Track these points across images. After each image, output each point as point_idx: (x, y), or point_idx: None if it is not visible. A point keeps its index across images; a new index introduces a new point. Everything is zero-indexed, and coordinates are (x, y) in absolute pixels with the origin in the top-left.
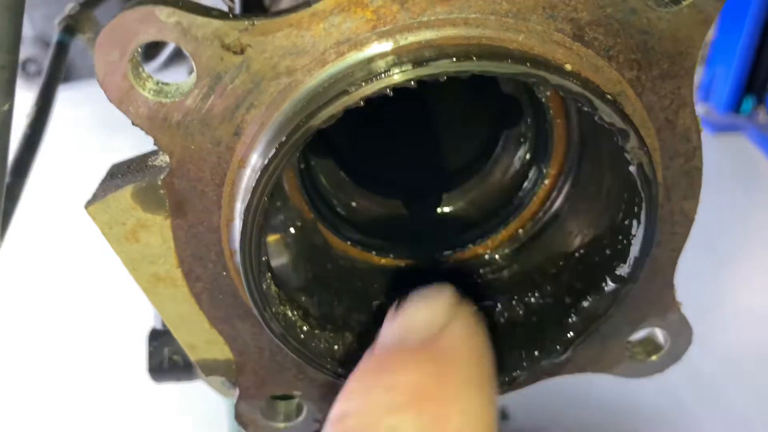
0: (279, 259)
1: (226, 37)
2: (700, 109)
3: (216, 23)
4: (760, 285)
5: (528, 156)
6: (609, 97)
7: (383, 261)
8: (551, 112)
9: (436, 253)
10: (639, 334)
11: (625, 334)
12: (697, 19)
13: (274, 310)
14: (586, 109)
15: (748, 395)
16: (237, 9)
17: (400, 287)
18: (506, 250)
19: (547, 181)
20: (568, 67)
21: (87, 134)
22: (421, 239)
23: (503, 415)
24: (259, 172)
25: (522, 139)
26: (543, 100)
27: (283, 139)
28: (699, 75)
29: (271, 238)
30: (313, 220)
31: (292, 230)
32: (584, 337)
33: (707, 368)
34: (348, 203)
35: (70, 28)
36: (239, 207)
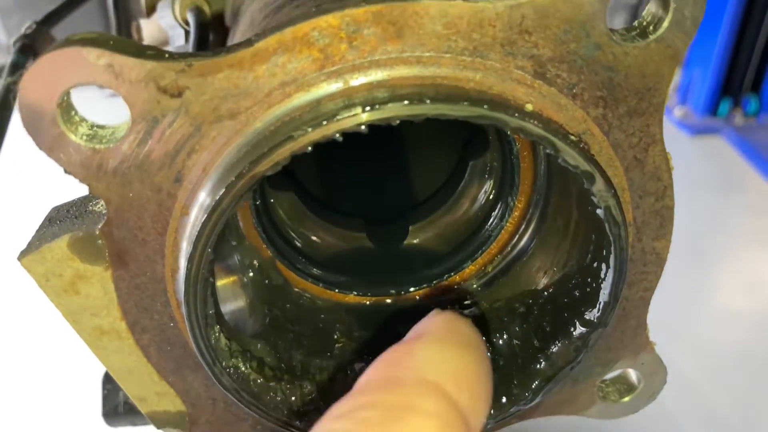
0: (235, 303)
1: (162, 79)
2: (677, 111)
3: (150, 65)
4: (739, 286)
5: (495, 187)
6: (573, 138)
7: (346, 298)
8: (517, 144)
9: (402, 290)
10: (612, 374)
11: (597, 376)
12: (665, 54)
13: (224, 364)
14: (548, 151)
15: (727, 396)
16: (191, 47)
17: (363, 326)
18: (474, 286)
19: (515, 214)
20: (529, 107)
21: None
22: (386, 275)
23: None
24: (200, 224)
25: (489, 170)
26: (508, 132)
27: (224, 188)
28: (677, 78)
29: (226, 281)
30: (271, 258)
31: (248, 270)
32: (553, 384)
33: (687, 369)
34: (309, 238)
35: (27, 48)
36: (183, 257)
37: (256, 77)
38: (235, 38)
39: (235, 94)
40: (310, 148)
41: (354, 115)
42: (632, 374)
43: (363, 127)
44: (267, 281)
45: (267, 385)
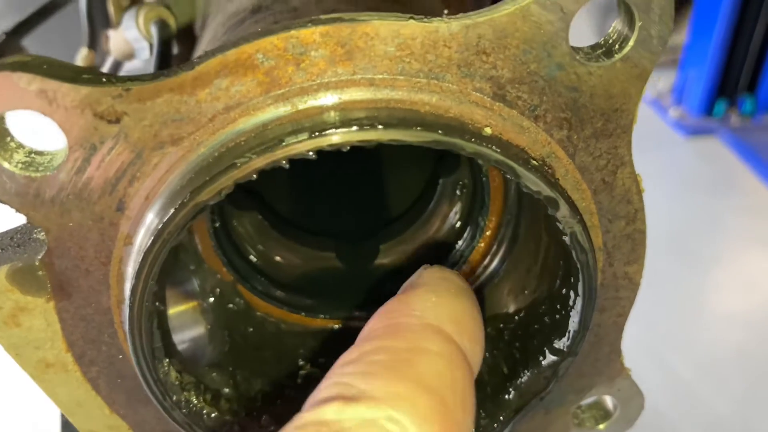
0: (194, 330)
1: (98, 104)
2: (673, 112)
3: (85, 90)
4: (735, 287)
5: (466, 207)
6: (535, 162)
7: (313, 323)
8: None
9: (372, 313)
10: (587, 400)
11: (571, 403)
12: (631, 73)
13: (175, 398)
14: (509, 177)
15: (724, 398)
16: (153, 61)
17: (330, 352)
18: None
19: (486, 234)
20: (488, 130)
21: None
22: (355, 297)
23: None
24: (142, 254)
25: (459, 189)
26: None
27: (167, 218)
28: (672, 78)
29: (185, 307)
30: (232, 281)
31: (208, 295)
32: (523, 415)
33: (683, 372)
34: (273, 259)
35: None
36: (128, 287)
37: (198, 101)
38: (197, 53)
39: (176, 119)
40: (255, 176)
41: (301, 141)
42: (608, 400)
43: (311, 153)
44: (228, 306)
45: (222, 419)
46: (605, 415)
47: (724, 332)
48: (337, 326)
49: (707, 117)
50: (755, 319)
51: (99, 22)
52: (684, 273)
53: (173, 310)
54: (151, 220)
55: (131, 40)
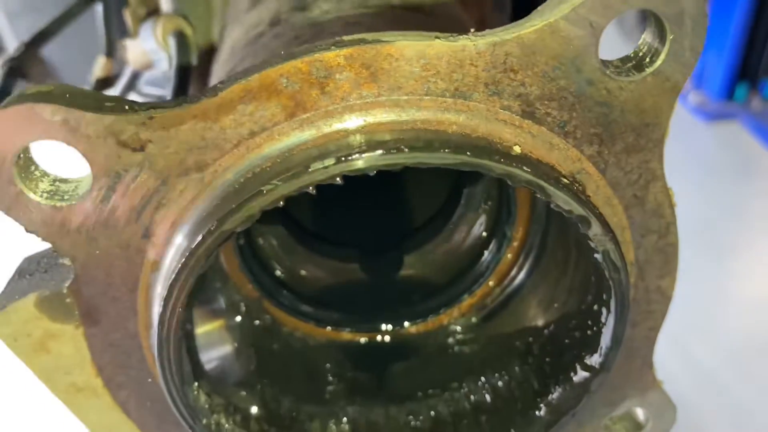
0: (221, 349)
1: (122, 133)
2: (693, 97)
3: (108, 119)
4: (759, 273)
5: (491, 217)
6: (565, 180)
7: (340, 336)
8: None
9: (397, 325)
10: (618, 411)
11: (602, 416)
12: (663, 87)
13: (205, 422)
14: (539, 196)
15: (750, 386)
16: (169, 94)
17: (357, 366)
18: (473, 320)
19: (513, 245)
20: (517, 149)
21: None
22: (380, 308)
23: None
24: (170, 281)
25: (484, 198)
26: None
27: (194, 245)
28: None
29: (212, 326)
30: (258, 297)
31: (235, 313)
32: (554, 431)
33: (708, 359)
34: (298, 273)
35: (15, 71)
36: (156, 313)
37: (223, 127)
38: (216, 65)
39: (201, 146)
40: (281, 203)
41: (327, 167)
42: (639, 412)
43: (338, 179)
44: (255, 322)
45: None
46: (636, 427)
47: (747, 319)
48: (363, 340)
49: (728, 101)
50: None
51: (116, 31)
52: (706, 260)
53: (201, 330)
54: (178, 247)
55: (149, 51)
